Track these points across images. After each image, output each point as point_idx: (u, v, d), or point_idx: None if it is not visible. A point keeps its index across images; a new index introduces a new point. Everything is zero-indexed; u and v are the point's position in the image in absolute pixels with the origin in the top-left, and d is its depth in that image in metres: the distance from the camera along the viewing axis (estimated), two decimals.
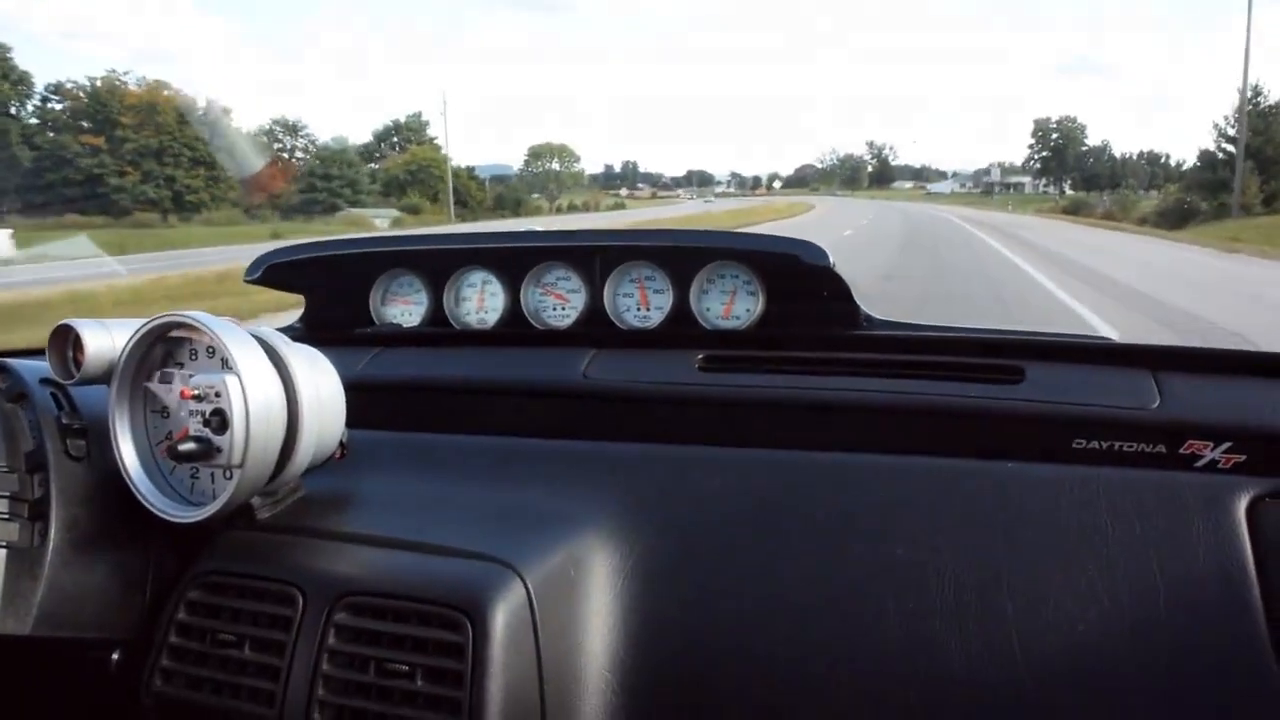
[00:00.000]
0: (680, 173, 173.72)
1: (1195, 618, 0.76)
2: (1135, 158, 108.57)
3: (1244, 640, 0.74)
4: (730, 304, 1.25)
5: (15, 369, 0.90)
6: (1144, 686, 0.74)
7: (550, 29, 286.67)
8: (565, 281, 1.32)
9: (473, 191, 62.61)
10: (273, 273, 1.32)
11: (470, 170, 67.08)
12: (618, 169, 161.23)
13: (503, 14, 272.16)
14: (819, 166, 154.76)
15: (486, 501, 0.95)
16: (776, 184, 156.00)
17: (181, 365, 0.87)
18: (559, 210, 76.17)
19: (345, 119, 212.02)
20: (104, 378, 0.88)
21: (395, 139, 69.21)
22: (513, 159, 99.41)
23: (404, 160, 61.74)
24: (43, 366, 0.90)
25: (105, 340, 0.87)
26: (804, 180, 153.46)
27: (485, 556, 0.81)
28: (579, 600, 0.83)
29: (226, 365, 0.82)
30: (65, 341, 0.88)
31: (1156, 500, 0.81)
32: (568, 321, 1.31)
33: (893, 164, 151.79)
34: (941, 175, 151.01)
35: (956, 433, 0.94)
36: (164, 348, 0.88)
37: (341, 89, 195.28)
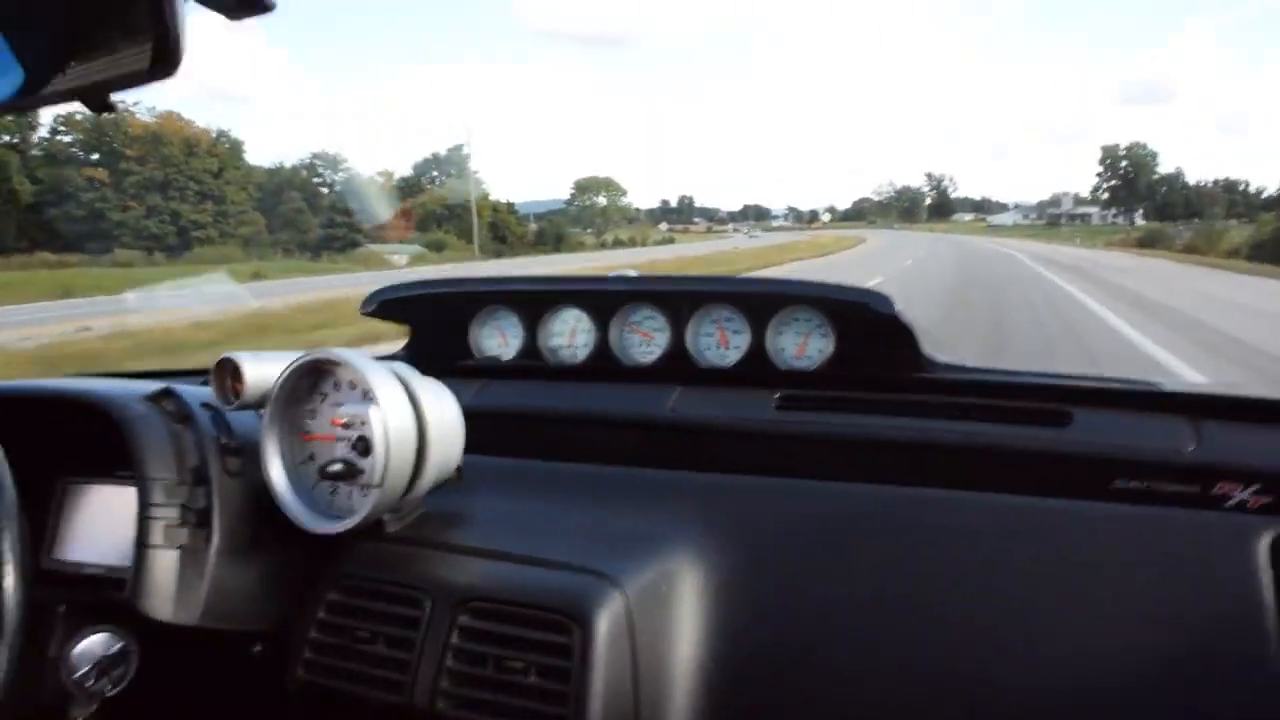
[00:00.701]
0: (736, 207, 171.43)
1: (1220, 650, 0.81)
2: (1211, 185, 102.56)
3: (1267, 674, 0.79)
4: (804, 345, 1.34)
5: (181, 394, 1.02)
6: (1169, 715, 0.80)
7: (614, 64, 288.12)
8: (651, 321, 1.42)
9: (511, 226, 60.11)
10: (385, 307, 1.46)
11: (510, 205, 64.66)
12: (674, 204, 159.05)
13: (566, 50, 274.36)
14: (876, 199, 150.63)
15: (585, 522, 1.05)
16: (826, 217, 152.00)
17: (325, 396, 0.99)
18: (604, 245, 73.40)
19: (393, 153, 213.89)
20: (258, 404, 0.99)
21: (435, 172, 67.32)
22: (567, 195, 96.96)
23: (441, 194, 59.53)
24: (204, 391, 1.02)
25: (261, 372, 0.98)
26: (861, 213, 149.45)
27: (589, 570, 0.92)
28: (669, 612, 0.93)
29: (367, 396, 0.94)
30: (226, 372, 0.99)
31: (1188, 538, 0.88)
32: (652, 357, 1.41)
33: (952, 195, 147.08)
34: (1002, 207, 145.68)
35: (1008, 471, 1.00)
36: (309, 380, 1.00)
37: (392, 123, 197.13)
